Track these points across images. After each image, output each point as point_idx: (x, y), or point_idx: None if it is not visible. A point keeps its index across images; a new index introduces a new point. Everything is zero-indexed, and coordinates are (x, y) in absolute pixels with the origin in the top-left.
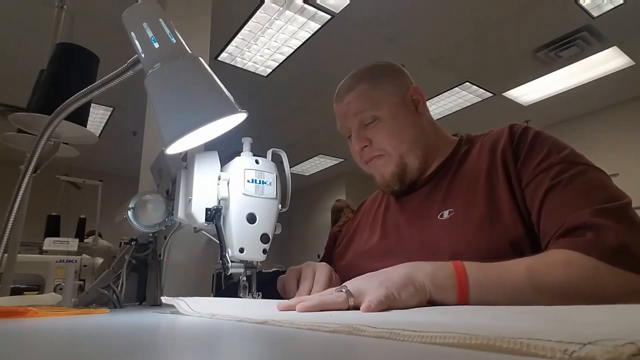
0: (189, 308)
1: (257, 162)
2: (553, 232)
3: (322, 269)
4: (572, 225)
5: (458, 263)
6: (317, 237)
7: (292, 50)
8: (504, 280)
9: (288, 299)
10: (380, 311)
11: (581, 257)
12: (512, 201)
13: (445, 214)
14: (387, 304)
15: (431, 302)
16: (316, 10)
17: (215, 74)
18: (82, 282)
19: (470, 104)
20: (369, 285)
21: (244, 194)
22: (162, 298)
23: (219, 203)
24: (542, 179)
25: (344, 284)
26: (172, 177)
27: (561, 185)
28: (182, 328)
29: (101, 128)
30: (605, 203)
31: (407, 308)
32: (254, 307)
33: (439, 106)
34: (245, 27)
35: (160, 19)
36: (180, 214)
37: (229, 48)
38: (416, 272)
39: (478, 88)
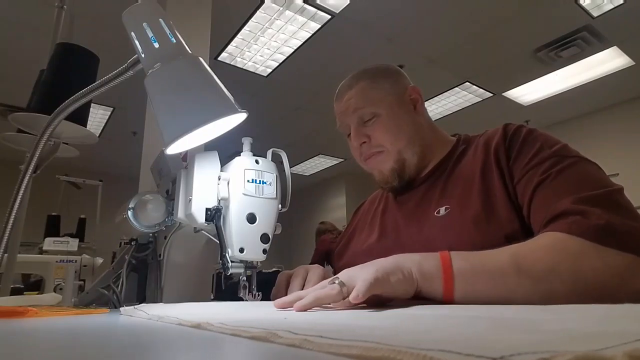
0: (144, 312)
1: (257, 162)
2: (541, 222)
3: (315, 270)
4: (557, 212)
5: (445, 253)
6: None
7: (292, 50)
8: (488, 267)
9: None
10: (369, 294)
11: (566, 238)
12: (507, 198)
13: (442, 210)
14: (376, 286)
15: (419, 291)
16: (316, 10)
17: (215, 74)
18: (82, 282)
19: (470, 104)
20: (359, 272)
21: (244, 194)
22: (121, 309)
23: (219, 203)
24: (533, 174)
25: (336, 276)
26: (172, 177)
27: (550, 178)
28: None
29: (101, 128)
30: (593, 191)
31: (396, 294)
32: (217, 309)
33: (439, 106)
34: (245, 27)
35: (160, 19)
36: (180, 214)
37: (229, 48)
38: (404, 261)
39: (478, 88)
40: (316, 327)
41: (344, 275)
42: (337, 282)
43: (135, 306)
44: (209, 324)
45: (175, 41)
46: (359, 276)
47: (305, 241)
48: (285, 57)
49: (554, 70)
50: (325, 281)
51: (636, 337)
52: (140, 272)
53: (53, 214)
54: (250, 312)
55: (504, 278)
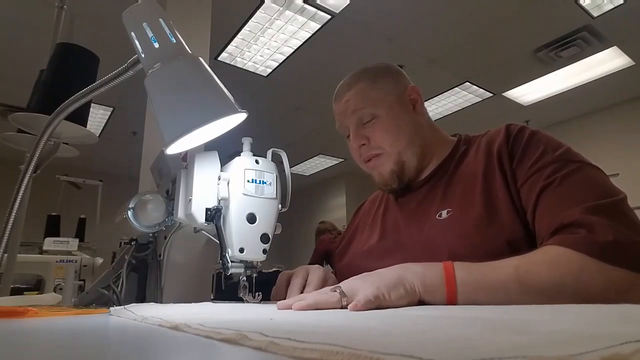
0: (131, 312)
1: (257, 162)
2: (546, 231)
3: (316, 271)
4: (565, 222)
5: (448, 263)
6: None
7: (292, 50)
8: (491, 279)
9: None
10: (368, 309)
11: (570, 254)
12: (509, 201)
13: (444, 213)
14: (376, 304)
15: (422, 303)
16: (316, 10)
17: (215, 74)
18: (82, 282)
19: (470, 104)
20: (361, 285)
21: (244, 194)
22: (111, 309)
23: (219, 203)
24: (537, 178)
25: (338, 284)
26: (172, 177)
27: (555, 184)
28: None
29: (101, 128)
30: (599, 200)
31: (396, 308)
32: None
33: (439, 106)
34: (245, 27)
35: (160, 19)
36: (180, 214)
37: (229, 48)
38: (407, 273)
39: (478, 88)
40: (297, 329)
41: (346, 285)
42: (338, 291)
43: (125, 306)
44: (186, 326)
45: (175, 41)
46: (360, 289)
47: (305, 241)
48: (285, 57)
49: (554, 70)
50: (327, 288)
51: (626, 339)
52: (140, 272)
53: (53, 214)
54: (240, 313)
55: (506, 291)
